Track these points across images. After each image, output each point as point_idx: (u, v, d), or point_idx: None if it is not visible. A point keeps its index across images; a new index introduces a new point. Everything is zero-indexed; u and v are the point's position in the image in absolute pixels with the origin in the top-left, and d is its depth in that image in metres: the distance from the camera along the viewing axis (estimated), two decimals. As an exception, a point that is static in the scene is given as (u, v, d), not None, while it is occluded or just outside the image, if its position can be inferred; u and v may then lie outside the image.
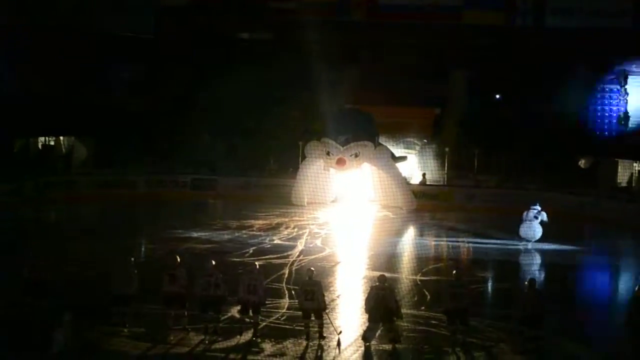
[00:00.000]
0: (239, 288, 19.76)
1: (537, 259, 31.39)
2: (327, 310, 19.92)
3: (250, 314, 19.77)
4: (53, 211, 39.40)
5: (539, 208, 32.58)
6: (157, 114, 45.91)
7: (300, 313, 19.89)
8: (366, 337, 19.23)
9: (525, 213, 32.76)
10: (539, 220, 32.47)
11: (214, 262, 20.36)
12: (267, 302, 20.61)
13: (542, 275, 29.19)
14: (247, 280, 19.86)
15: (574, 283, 28.64)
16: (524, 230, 32.81)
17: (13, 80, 40.63)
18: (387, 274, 20.94)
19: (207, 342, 19.16)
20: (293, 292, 22.82)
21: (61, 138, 46.54)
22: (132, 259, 20.73)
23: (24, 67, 41.57)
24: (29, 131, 43.95)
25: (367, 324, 19.44)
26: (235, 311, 20.52)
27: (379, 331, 19.32)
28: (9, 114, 39.44)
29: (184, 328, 19.81)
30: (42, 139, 46.41)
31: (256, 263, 21.66)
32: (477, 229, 36.63)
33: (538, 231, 32.61)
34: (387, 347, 19.03)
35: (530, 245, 32.45)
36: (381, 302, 19.07)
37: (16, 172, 40.74)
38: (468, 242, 33.87)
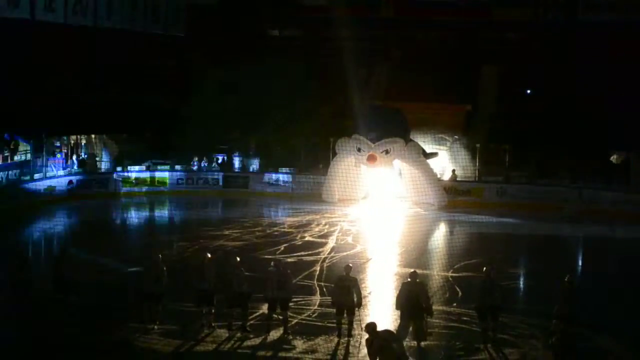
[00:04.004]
0: (267, 285, 19.73)
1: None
2: (360, 307, 19.83)
3: (279, 310, 19.73)
4: (83, 209, 39.53)
5: None
6: (188, 111, 45.95)
7: (331, 310, 19.85)
8: (399, 334, 19.15)
9: None
10: None
11: (238, 259, 20.40)
12: (294, 298, 20.59)
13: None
14: (275, 276, 19.85)
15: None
16: None
17: (45, 79, 40.79)
18: (418, 271, 20.81)
19: (235, 339, 19.19)
20: (324, 289, 22.82)
21: (92, 136, 46.68)
22: (161, 256, 20.75)
23: (55, 66, 41.72)
24: (61, 130, 44.10)
25: (399, 321, 19.37)
26: (265, 308, 20.53)
27: (410, 328, 19.24)
28: (40, 113, 39.62)
29: (211, 325, 19.88)
30: (73, 137, 46.56)
31: (283, 259, 21.64)
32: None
33: None
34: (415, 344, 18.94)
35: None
36: (413, 299, 18.99)
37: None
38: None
